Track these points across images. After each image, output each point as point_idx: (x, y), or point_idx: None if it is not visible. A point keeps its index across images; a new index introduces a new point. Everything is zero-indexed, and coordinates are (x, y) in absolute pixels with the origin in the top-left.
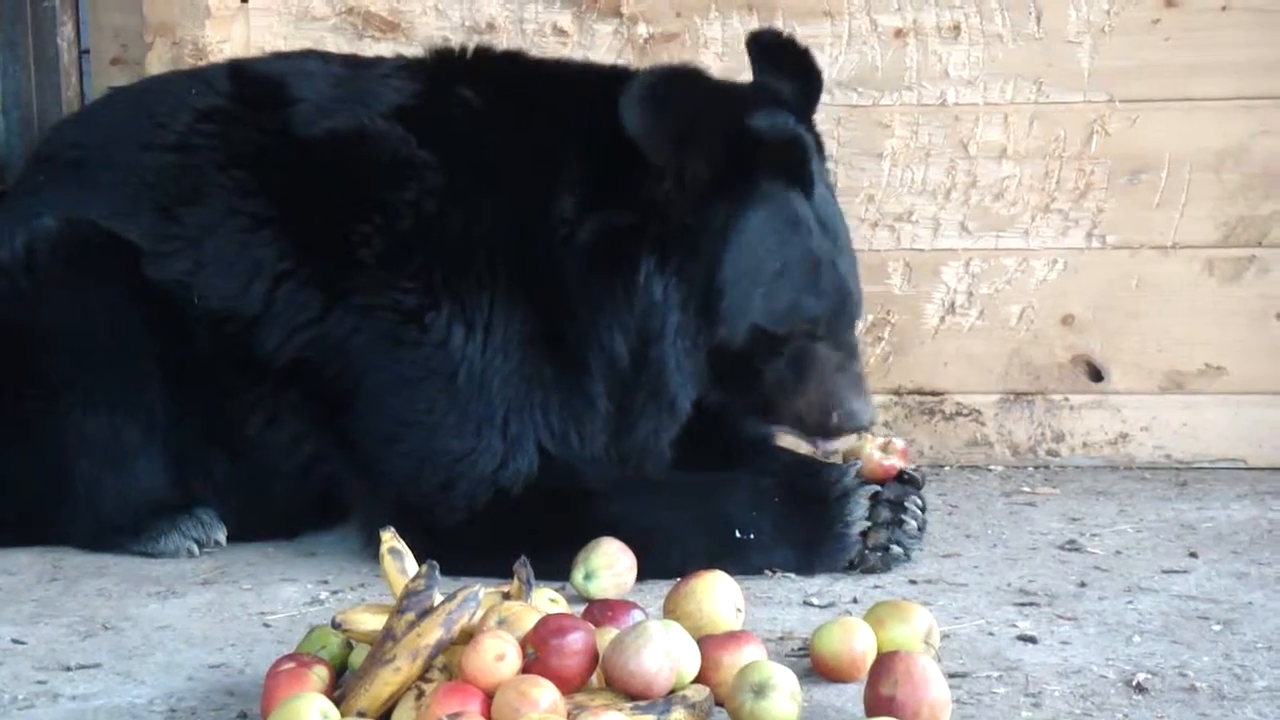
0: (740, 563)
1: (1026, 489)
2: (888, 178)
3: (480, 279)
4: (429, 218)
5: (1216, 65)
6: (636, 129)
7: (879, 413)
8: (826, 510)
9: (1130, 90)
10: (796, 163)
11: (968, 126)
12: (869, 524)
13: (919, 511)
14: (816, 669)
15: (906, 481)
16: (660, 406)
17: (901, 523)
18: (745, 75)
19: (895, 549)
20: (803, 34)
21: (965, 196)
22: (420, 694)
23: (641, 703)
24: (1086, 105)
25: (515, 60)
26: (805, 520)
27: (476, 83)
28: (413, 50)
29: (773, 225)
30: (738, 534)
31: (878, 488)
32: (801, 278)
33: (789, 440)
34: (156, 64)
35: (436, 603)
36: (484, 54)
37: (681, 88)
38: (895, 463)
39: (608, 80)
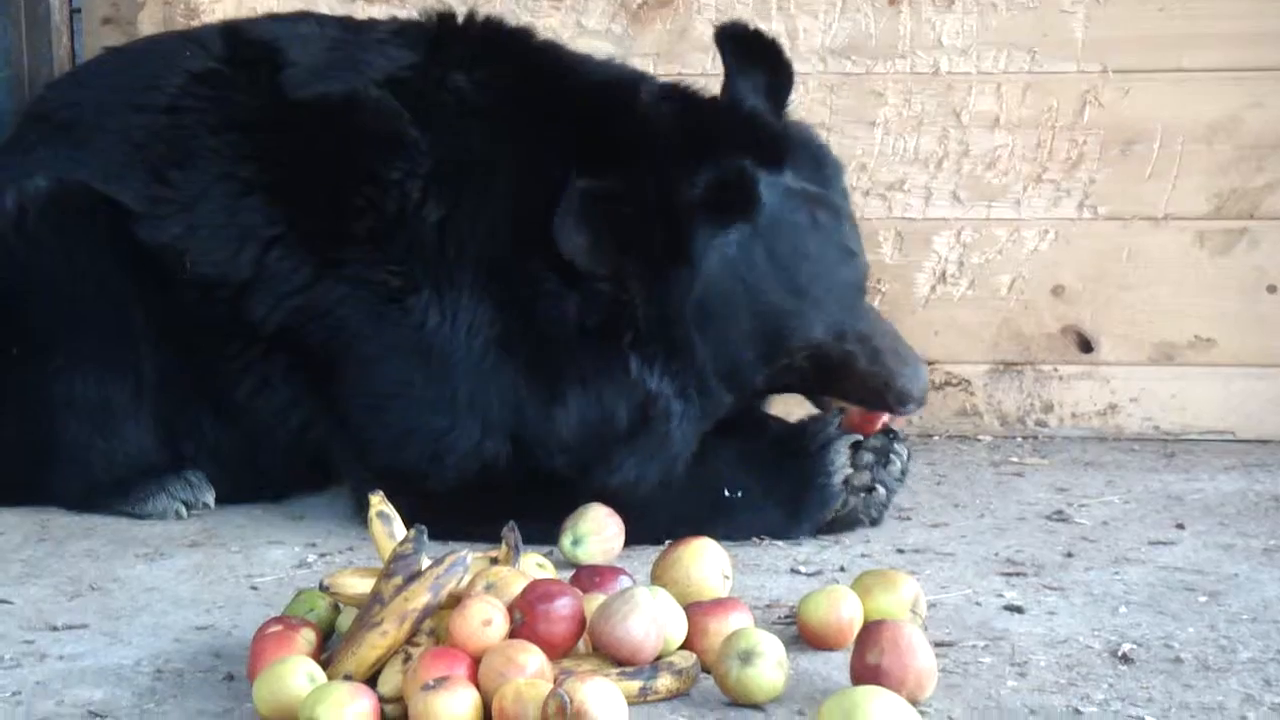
0: (728, 522)
1: (1015, 459)
2: (880, 146)
3: (452, 276)
4: (413, 203)
5: (1210, 36)
6: (571, 253)
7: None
8: (808, 462)
9: (1123, 61)
10: (735, 196)
11: (960, 95)
12: (851, 471)
13: (903, 456)
14: (803, 637)
15: (891, 435)
16: (656, 461)
17: (886, 463)
18: None
19: (879, 490)
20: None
21: (957, 166)
22: (407, 658)
23: (628, 668)
24: (1080, 75)
25: (520, 44)
26: (789, 475)
27: (475, 66)
28: (406, 13)
29: (726, 281)
30: (726, 493)
31: (858, 437)
32: (778, 305)
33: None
34: (148, 23)
35: (424, 567)
36: (491, 29)
37: (606, 206)
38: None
39: (606, 97)
